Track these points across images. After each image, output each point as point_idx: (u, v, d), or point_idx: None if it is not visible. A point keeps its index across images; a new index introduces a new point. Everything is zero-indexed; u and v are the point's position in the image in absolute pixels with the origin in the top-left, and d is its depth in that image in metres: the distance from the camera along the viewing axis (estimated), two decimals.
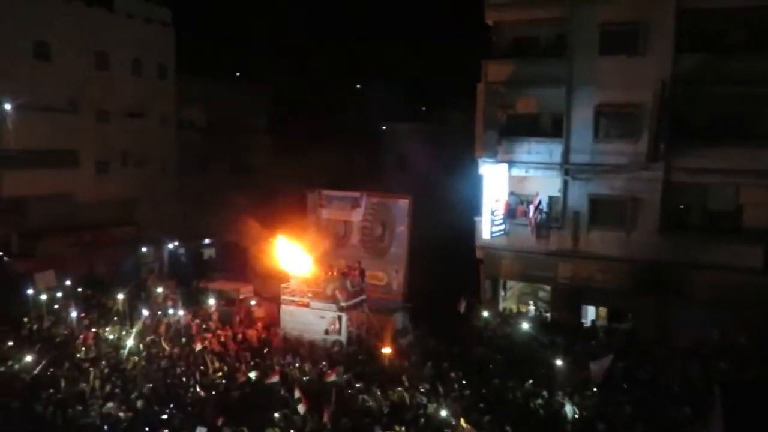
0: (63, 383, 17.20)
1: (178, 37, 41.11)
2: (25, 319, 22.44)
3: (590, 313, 25.04)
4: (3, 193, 31.98)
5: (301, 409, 15.21)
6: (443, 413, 15.09)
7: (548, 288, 25.85)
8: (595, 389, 16.80)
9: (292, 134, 45.55)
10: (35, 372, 17.89)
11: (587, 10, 24.08)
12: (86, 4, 35.74)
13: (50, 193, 33.01)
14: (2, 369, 18.21)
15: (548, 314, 24.99)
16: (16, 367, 18.18)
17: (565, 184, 24.79)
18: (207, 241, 36.01)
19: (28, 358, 18.29)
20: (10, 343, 19.84)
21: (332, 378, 16.57)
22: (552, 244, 25.03)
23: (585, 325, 23.84)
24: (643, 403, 15.92)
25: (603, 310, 25.03)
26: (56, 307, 23.67)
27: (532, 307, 26.06)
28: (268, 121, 48.78)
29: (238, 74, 52.55)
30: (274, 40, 49.93)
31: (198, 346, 18.83)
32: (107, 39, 36.70)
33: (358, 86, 57.88)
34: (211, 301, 24.69)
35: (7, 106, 31.88)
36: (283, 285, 23.59)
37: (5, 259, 30.14)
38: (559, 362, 18.03)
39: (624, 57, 23.59)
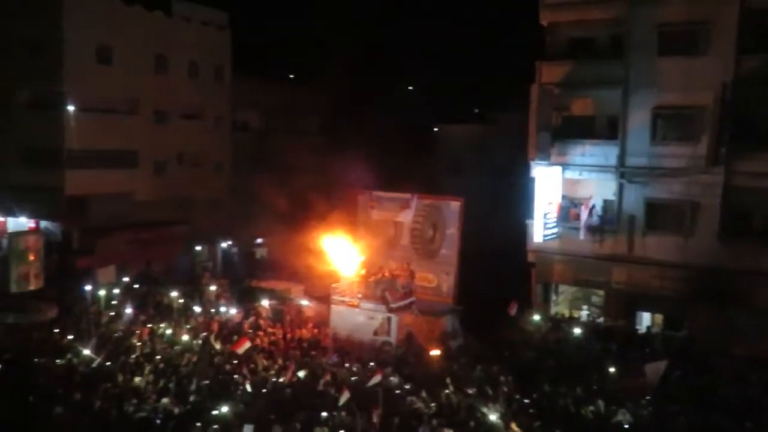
0: (119, 377, 17.65)
1: (233, 39, 41.86)
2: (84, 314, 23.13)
3: (645, 319, 24.46)
4: (66, 191, 33.07)
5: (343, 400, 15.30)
6: (493, 417, 14.94)
7: (601, 293, 25.36)
8: (649, 398, 16.37)
9: (344, 136, 45.84)
10: (93, 365, 18.40)
11: (645, 11, 23.59)
12: (146, 8, 36.70)
13: (110, 192, 33.95)
14: (62, 361, 18.78)
15: (601, 320, 24.50)
16: (75, 360, 18.71)
17: (621, 187, 24.32)
18: (259, 240, 36.49)
19: (87, 352, 18.83)
20: (70, 337, 20.46)
21: (378, 379, 16.55)
22: (606, 248, 24.57)
23: (639, 332, 23.29)
24: (700, 416, 15.45)
25: (659, 317, 24.41)
26: (114, 302, 24.33)
27: (585, 312, 25.57)
28: (321, 122, 49.21)
29: (291, 76, 53.17)
30: (328, 41, 50.34)
31: (247, 344, 19.04)
32: (166, 42, 37.61)
33: (410, 88, 57.92)
34: (263, 301, 24.99)
35: (71, 108, 33.00)
36: (333, 285, 23.75)
37: (67, 255, 31.11)
38: (612, 369, 17.66)
39: (683, 58, 23.04)
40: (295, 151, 43.72)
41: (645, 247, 23.99)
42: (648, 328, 23.62)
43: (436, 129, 46.35)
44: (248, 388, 17.12)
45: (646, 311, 24.50)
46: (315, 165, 44.57)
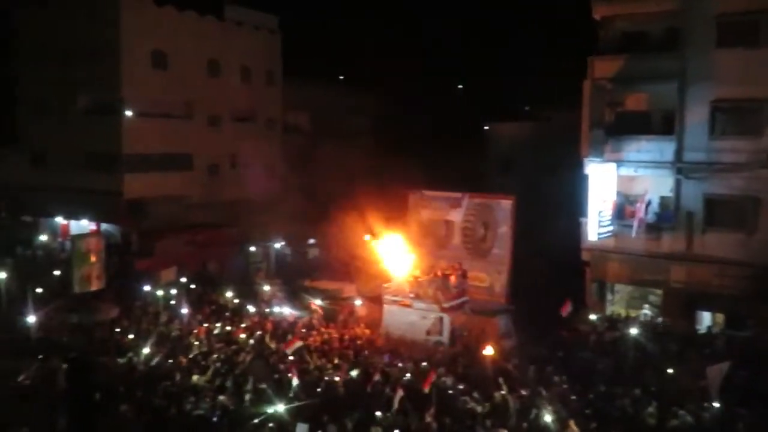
0: (177, 376, 18.06)
1: (284, 41, 42.38)
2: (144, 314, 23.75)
3: (706, 319, 23.80)
4: (125, 195, 34.01)
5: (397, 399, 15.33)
6: (548, 418, 14.77)
7: (659, 292, 24.76)
8: (711, 401, 15.92)
9: (394, 135, 45.94)
10: (152, 364, 18.87)
11: (702, 2, 22.98)
12: (199, 14, 37.45)
13: (166, 195, 34.79)
14: (123, 360, 19.32)
15: (659, 320, 23.93)
16: (135, 359, 19.22)
17: (678, 183, 23.73)
18: (311, 241, 36.83)
19: (146, 351, 19.32)
20: (131, 336, 21.03)
21: (433, 379, 16.53)
22: (664, 246, 23.99)
23: (700, 332, 22.68)
24: (765, 418, 14.96)
25: (720, 317, 23.71)
26: (172, 302, 24.90)
27: (645, 311, 24.98)
28: (371, 123, 49.40)
29: (341, 77, 53.53)
30: (377, 42, 50.52)
31: (298, 344, 19.24)
32: (218, 47, 38.33)
33: (459, 87, 57.66)
34: (316, 300, 25.23)
35: (129, 113, 33.93)
36: (385, 285, 23.80)
37: (127, 256, 31.97)
38: (671, 370, 17.24)
39: (743, 49, 22.32)
40: (345, 152, 44.03)
41: (704, 244, 23.34)
42: (708, 328, 22.99)
43: (486, 127, 45.94)
44: (301, 387, 17.29)
45: (707, 311, 23.81)
46: (365, 165, 44.84)
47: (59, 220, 36.42)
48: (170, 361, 19.02)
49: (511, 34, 57.14)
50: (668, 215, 24.12)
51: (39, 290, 24.83)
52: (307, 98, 44.23)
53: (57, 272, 27.29)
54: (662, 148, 24.02)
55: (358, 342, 21.84)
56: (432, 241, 26.58)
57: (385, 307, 23.37)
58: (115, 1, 33.55)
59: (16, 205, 38.15)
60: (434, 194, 27.12)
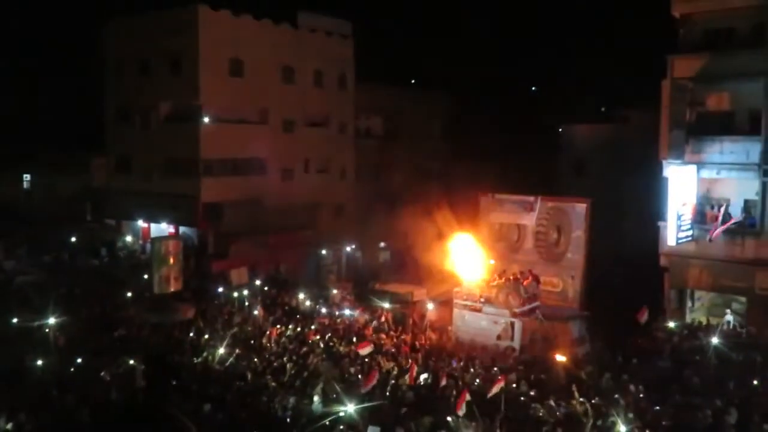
0: (250, 376, 18.42)
1: (357, 46, 42.76)
2: (219, 315, 24.36)
3: None
4: (202, 199, 35.04)
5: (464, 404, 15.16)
6: (623, 428, 14.30)
7: (744, 299, 23.68)
8: None
9: (467, 139, 45.68)
10: (227, 364, 19.32)
11: None
12: (274, 22, 38.24)
13: (242, 199, 35.64)
14: (200, 360, 19.85)
15: (743, 328, 22.87)
16: (210, 359, 19.72)
17: (764, 186, 22.63)
18: (382, 244, 36.98)
19: (221, 351, 19.79)
20: (206, 336, 21.60)
21: (501, 385, 16.26)
22: (748, 252, 22.93)
23: None
24: None
25: None
26: (246, 304, 25.46)
27: (729, 318, 23.91)
28: (443, 126, 49.27)
29: (413, 81, 53.62)
30: (449, 45, 50.41)
31: (369, 348, 19.30)
32: (292, 53, 39.04)
33: (533, 88, 56.85)
34: (386, 303, 25.28)
35: (206, 120, 34.98)
36: (456, 289, 23.63)
37: (203, 258, 32.92)
38: (755, 382, 16.45)
39: None
40: (417, 155, 44.08)
41: None
42: None
43: (561, 129, 45.10)
44: (371, 390, 17.33)
45: None
46: (437, 168, 44.81)
47: (140, 223, 37.85)
48: (244, 361, 19.41)
49: (588, 34, 56.02)
50: (752, 219, 23.04)
51: (122, 291, 25.85)
52: (380, 102, 44.52)
53: (141, 274, 28.28)
54: (748, 149, 23.02)
55: (428, 346, 21.76)
56: (504, 245, 26.23)
57: (456, 311, 23.20)
58: (194, 13, 34.66)
59: (100, 209, 39.94)
60: (506, 197, 26.75)
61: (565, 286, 24.60)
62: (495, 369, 18.75)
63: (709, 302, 25.42)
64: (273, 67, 38.22)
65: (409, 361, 19.72)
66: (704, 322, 23.80)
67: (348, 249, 35.89)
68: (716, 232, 22.72)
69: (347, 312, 24.61)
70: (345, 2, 44.68)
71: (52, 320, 20.74)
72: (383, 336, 22.19)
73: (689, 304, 24.95)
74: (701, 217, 23.83)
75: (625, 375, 17.79)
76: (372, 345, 19.76)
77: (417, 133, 45.93)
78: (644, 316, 20.82)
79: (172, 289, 24.86)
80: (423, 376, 18.32)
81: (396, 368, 19.13)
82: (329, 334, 22.04)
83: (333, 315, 24.57)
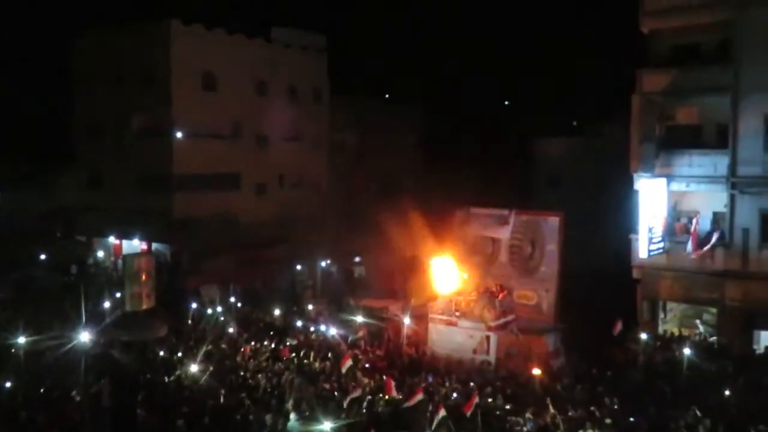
0: (224, 393, 18.19)
1: (331, 61, 42.85)
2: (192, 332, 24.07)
3: (764, 338, 22.92)
4: (175, 214, 34.71)
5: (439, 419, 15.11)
6: None
7: (714, 311, 23.99)
8: None
9: (441, 153, 45.92)
10: (200, 382, 19.05)
11: (756, 12, 22.39)
12: (247, 36, 38.20)
13: (215, 214, 35.39)
14: (172, 378, 19.56)
15: (714, 339, 23.16)
16: (183, 377, 19.44)
17: (733, 198, 23.00)
18: (357, 259, 36.92)
19: (195, 369, 19.53)
20: (179, 354, 21.31)
21: (475, 400, 16.26)
22: (718, 263, 23.25)
23: (758, 352, 21.84)
24: None
25: None
26: (221, 319, 25.19)
27: (699, 330, 24.22)
28: (418, 139, 49.47)
29: (387, 95, 53.84)
30: (423, 59, 50.74)
31: (349, 363, 19.21)
32: (266, 68, 39.01)
33: (506, 103, 57.37)
34: (361, 319, 25.18)
35: (179, 135, 34.73)
36: (431, 303, 23.62)
37: (176, 275, 32.57)
38: (728, 392, 16.62)
39: None
40: (391, 169, 44.21)
41: (761, 261, 22.55)
42: (767, 347, 22.12)
43: (534, 143, 45.55)
44: (347, 405, 17.22)
45: (765, 330, 22.95)
46: (412, 182, 44.96)
47: (112, 239, 37.37)
48: (217, 379, 19.17)
49: (560, 49, 56.74)
50: (721, 231, 23.38)
51: (92, 308, 25.41)
52: (354, 116, 44.58)
53: (111, 291, 27.86)
54: (716, 162, 23.41)
55: (404, 361, 21.69)
56: (479, 258, 26.27)
57: (431, 325, 23.16)
58: (166, 27, 34.51)
59: (71, 225, 39.37)
60: (481, 211, 26.82)
61: (539, 299, 24.70)
62: (471, 384, 18.72)
63: (681, 313, 25.70)
64: (246, 82, 38.15)
65: (384, 377, 19.64)
66: (676, 333, 24.07)
67: (323, 264, 35.75)
68: (702, 250, 22.94)
69: (322, 328, 24.45)
70: (319, 17, 44.80)
71: (21, 340, 20.32)
72: (358, 352, 22.06)
73: (661, 315, 25.21)
74: (672, 229, 24.11)
75: (599, 387, 17.89)
76: (350, 361, 19.62)
77: (392, 146, 46.07)
78: (618, 329, 21.00)
79: (144, 307, 24.49)
80: (399, 391, 18.23)
81: (372, 384, 19.04)
82: (304, 351, 21.87)
83: (308, 331, 24.39)
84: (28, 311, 24.06)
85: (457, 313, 22.69)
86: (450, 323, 22.77)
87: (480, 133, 48.01)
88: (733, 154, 22.90)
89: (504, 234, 25.76)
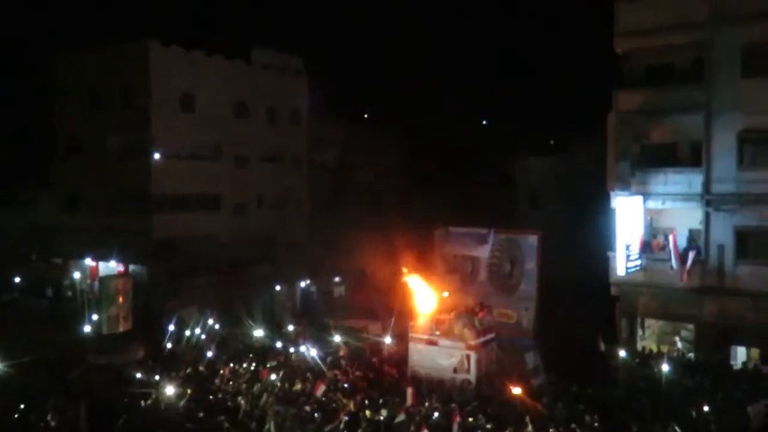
0: (202, 416, 17.97)
1: (310, 81, 43.00)
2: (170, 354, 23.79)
3: (740, 354, 23.13)
4: (154, 235, 34.41)
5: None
6: None
7: (691, 327, 24.18)
8: None
9: (421, 172, 46.08)
10: (178, 405, 18.80)
11: (728, 32, 22.81)
12: (226, 58, 38.24)
13: (194, 235, 35.13)
14: (149, 401, 19.28)
15: (692, 355, 23.32)
16: (161, 400, 19.18)
17: (707, 216, 23.29)
18: (337, 279, 36.83)
19: (171, 392, 19.27)
20: (157, 377, 21.04)
21: (458, 420, 16.22)
22: (695, 280, 23.46)
23: (735, 368, 22.03)
24: None
25: (755, 351, 23.02)
26: (202, 338, 24.94)
27: (679, 344, 24.39)
28: (398, 159, 49.62)
29: (366, 115, 54.06)
30: (403, 79, 51.05)
31: (323, 388, 19.09)
32: (245, 89, 39.02)
33: (484, 122, 57.83)
34: (341, 339, 25.07)
35: (157, 155, 34.52)
36: (412, 323, 23.59)
37: (154, 297, 32.23)
38: (706, 407, 16.73)
39: None
40: (372, 189, 44.27)
41: (737, 277, 22.79)
42: (744, 363, 22.32)
43: (512, 162, 45.93)
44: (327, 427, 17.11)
45: (741, 345, 23.17)
46: (392, 202, 45.01)
47: (88, 261, 36.94)
48: (196, 402, 18.94)
49: (538, 68, 57.39)
50: (698, 248, 23.62)
51: (69, 331, 25.09)
52: (334, 136, 44.68)
53: (89, 314, 27.52)
54: (690, 180, 23.68)
55: (385, 381, 21.58)
56: (458, 277, 26.34)
57: (411, 345, 23.11)
58: (144, 48, 34.45)
59: (47, 247, 38.87)
60: (460, 230, 26.96)
61: (519, 317, 24.78)
62: (453, 404, 18.66)
63: (659, 330, 25.86)
64: (226, 103, 38.11)
65: (365, 396, 19.54)
66: (654, 349, 24.23)
67: (303, 284, 35.63)
68: (684, 271, 23.14)
69: (302, 348, 24.29)
70: (299, 39, 45.00)
71: None
72: (338, 372, 21.92)
73: (640, 332, 25.32)
74: (649, 246, 24.32)
75: (580, 405, 17.91)
76: (324, 386, 19.37)
77: (371, 166, 46.16)
78: (601, 345, 21.11)
79: (121, 329, 24.29)
80: (381, 412, 18.13)
81: (353, 405, 18.91)
82: (283, 372, 21.69)
83: (288, 352, 24.21)
84: (3, 335, 23.63)
85: (438, 332, 22.67)
86: (430, 342, 22.74)
87: (460, 152, 48.29)
88: (707, 172, 23.19)
89: (483, 253, 25.88)
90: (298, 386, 20.52)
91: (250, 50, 40.13)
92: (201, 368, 22.23)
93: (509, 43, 62.21)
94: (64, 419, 17.45)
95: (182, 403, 18.92)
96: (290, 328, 26.94)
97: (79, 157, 37.61)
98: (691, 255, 23.10)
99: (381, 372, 22.56)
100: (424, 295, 23.93)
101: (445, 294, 24.65)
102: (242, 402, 18.99)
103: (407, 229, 30.95)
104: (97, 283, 30.13)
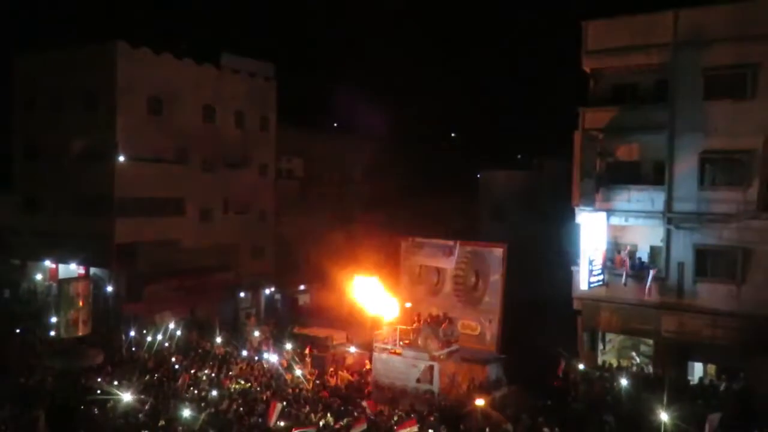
0: (162, 422, 17.69)
1: (279, 89, 42.88)
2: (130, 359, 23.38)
3: (697, 369, 23.59)
4: (116, 239, 33.86)
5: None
6: None
7: (651, 342, 24.59)
8: None
9: (387, 183, 46.20)
10: (137, 411, 18.47)
11: (691, 55, 23.37)
12: (196, 62, 37.93)
13: (158, 240, 34.66)
14: (107, 407, 18.90)
15: (650, 369, 23.71)
16: (119, 405, 18.81)
17: (668, 233, 23.75)
18: (302, 287, 36.65)
19: (130, 398, 18.91)
20: (115, 383, 20.64)
21: (414, 428, 16.23)
22: (654, 296, 23.89)
23: (692, 383, 22.44)
24: None
25: (712, 367, 23.51)
26: (164, 344, 24.56)
27: (637, 359, 24.78)
28: (365, 169, 49.71)
29: (335, 125, 54.08)
30: (370, 90, 51.18)
31: (278, 409, 18.81)
32: (214, 93, 38.76)
33: (452, 135, 58.31)
34: (305, 348, 24.93)
35: (122, 158, 34.02)
36: (376, 332, 23.58)
37: (115, 301, 31.68)
38: (665, 420, 17.02)
39: (731, 101, 22.63)
40: (338, 199, 44.22)
41: (695, 294, 23.27)
42: (700, 378, 22.75)
43: (479, 175, 46.31)
44: None
45: (698, 361, 23.62)
46: (359, 211, 45.01)
47: (48, 263, 36.16)
48: (152, 408, 18.63)
49: (505, 84, 58.12)
50: (657, 265, 24.06)
51: (25, 334, 24.48)
52: (302, 145, 44.62)
53: (46, 316, 26.91)
54: (653, 198, 24.12)
55: (347, 390, 21.53)
56: (423, 288, 26.42)
57: (375, 354, 23.10)
58: (112, 49, 34.00)
59: (5, 248, 37.97)
60: (426, 241, 27.03)
61: (482, 330, 24.92)
62: (413, 414, 18.68)
63: (619, 344, 26.22)
64: (194, 107, 37.78)
65: (326, 406, 19.44)
66: (614, 363, 24.56)
67: (267, 291, 35.37)
68: (647, 287, 23.53)
69: (265, 356, 24.09)
70: (269, 45, 44.86)
71: None
72: (301, 381, 21.80)
73: (601, 346, 25.65)
74: (612, 262, 24.70)
75: (540, 417, 18.06)
76: (280, 406, 18.79)
77: (339, 176, 46.17)
78: (561, 368, 21.35)
79: (80, 333, 23.71)
80: (343, 421, 18.06)
81: (314, 414, 18.81)
82: (244, 379, 21.49)
83: (251, 359, 23.98)
84: None
85: (401, 343, 22.70)
86: (394, 353, 22.76)
87: (427, 164, 48.58)
88: (669, 191, 23.65)
89: (449, 264, 25.98)
90: (259, 395, 20.29)
91: (220, 54, 39.87)
92: (156, 375, 21.86)
93: (480, 56, 62.89)
94: (20, 425, 17.00)
95: (141, 409, 18.59)
96: (255, 335, 26.67)
97: (39, 159, 36.88)
98: (651, 273, 23.51)
99: (343, 381, 22.50)
100: (387, 305, 23.95)
101: (408, 305, 24.71)
102: (204, 408, 18.73)
103: (374, 238, 31.03)
104: (55, 286, 29.42)
